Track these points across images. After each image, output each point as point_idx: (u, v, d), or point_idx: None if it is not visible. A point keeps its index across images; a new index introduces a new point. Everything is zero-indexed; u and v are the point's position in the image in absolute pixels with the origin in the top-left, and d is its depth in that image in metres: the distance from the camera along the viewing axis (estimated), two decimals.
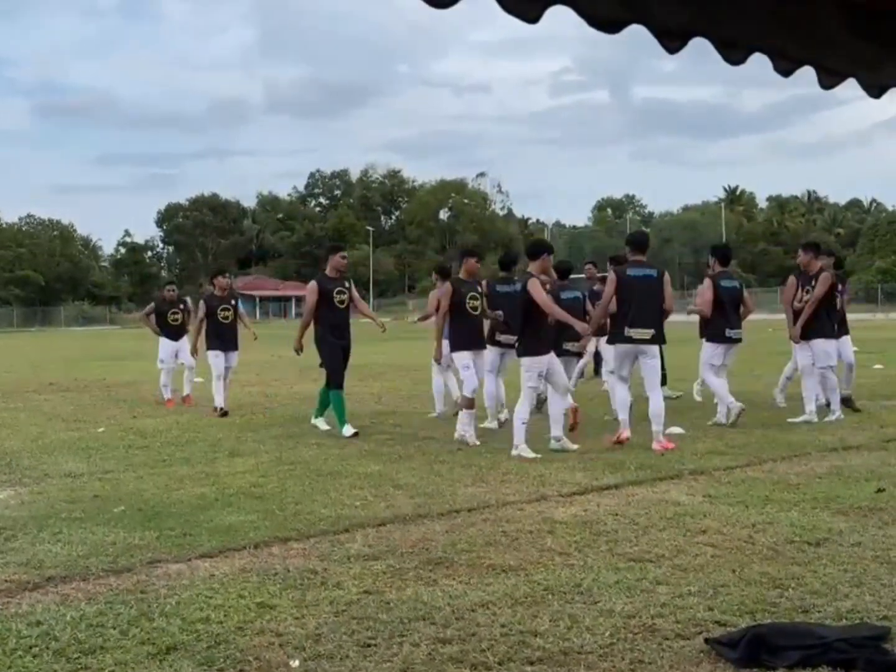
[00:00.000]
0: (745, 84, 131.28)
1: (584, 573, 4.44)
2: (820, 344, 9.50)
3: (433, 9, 1.87)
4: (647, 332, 8.15)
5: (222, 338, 11.50)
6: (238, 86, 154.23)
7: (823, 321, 9.54)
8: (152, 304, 13.51)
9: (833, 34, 2.27)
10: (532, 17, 1.95)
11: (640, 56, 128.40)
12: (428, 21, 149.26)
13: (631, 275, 8.25)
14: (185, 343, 12.82)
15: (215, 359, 11.43)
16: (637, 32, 2.13)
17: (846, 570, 4.41)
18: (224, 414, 11.10)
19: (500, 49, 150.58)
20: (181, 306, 13.17)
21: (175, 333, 12.99)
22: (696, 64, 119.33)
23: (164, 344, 12.96)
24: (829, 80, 2.46)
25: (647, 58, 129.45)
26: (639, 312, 8.16)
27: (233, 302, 11.84)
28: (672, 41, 2.16)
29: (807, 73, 2.46)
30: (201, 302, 11.76)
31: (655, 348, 8.26)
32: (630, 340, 8.21)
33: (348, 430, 9.18)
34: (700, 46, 2.25)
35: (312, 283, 9.57)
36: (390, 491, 6.40)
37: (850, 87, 2.56)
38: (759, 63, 2.39)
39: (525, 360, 8.07)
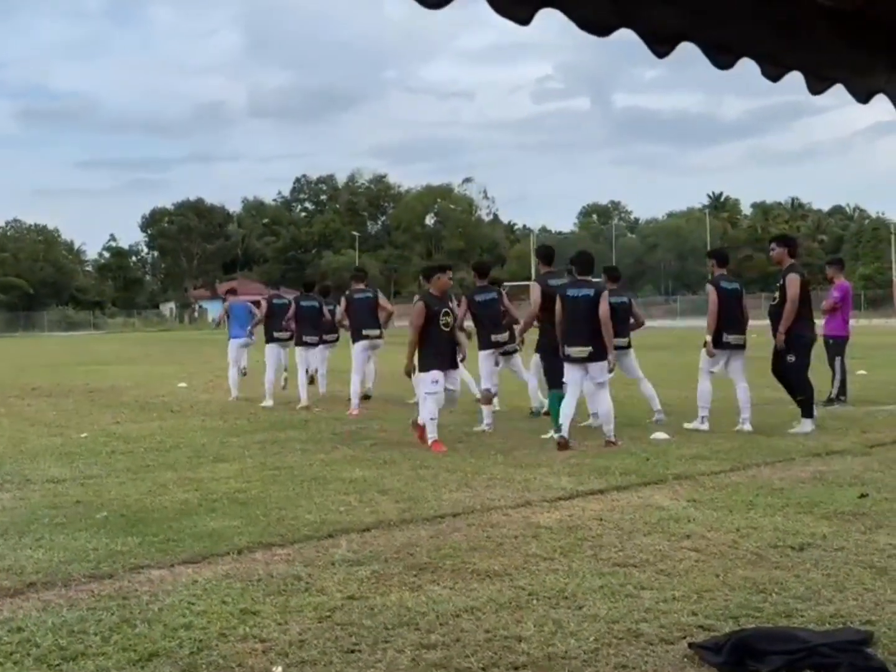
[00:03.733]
0: (724, 92, 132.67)
1: (568, 578, 4.43)
2: None
3: (425, 9, 1.88)
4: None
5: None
6: (224, 90, 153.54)
7: None
8: (422, 305, 8.77)
9: (823, 40, 2.29)
10: (523, 18, 1.95)
11: (620, 64, 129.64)
12: (413, 28, 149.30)
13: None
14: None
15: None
16: (618, 39, 2.13)
17: (829, 575, 4.43)
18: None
19: (483, 56, 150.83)
20: (450, 304, 9.13)
21: (448, 346, 8.80)
22: (675, 72, 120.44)
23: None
24: (818, 85, 2.47)
25: (627, 66, 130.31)
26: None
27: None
28: (661, 45, 2.17)
29: (788, 81, 2.47)
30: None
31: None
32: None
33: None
34: (681, 54, 2.25)
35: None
36: (375, 496, 6.38)
37: (831, 95, 2.57)
38: (740, 70, 2.39)
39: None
